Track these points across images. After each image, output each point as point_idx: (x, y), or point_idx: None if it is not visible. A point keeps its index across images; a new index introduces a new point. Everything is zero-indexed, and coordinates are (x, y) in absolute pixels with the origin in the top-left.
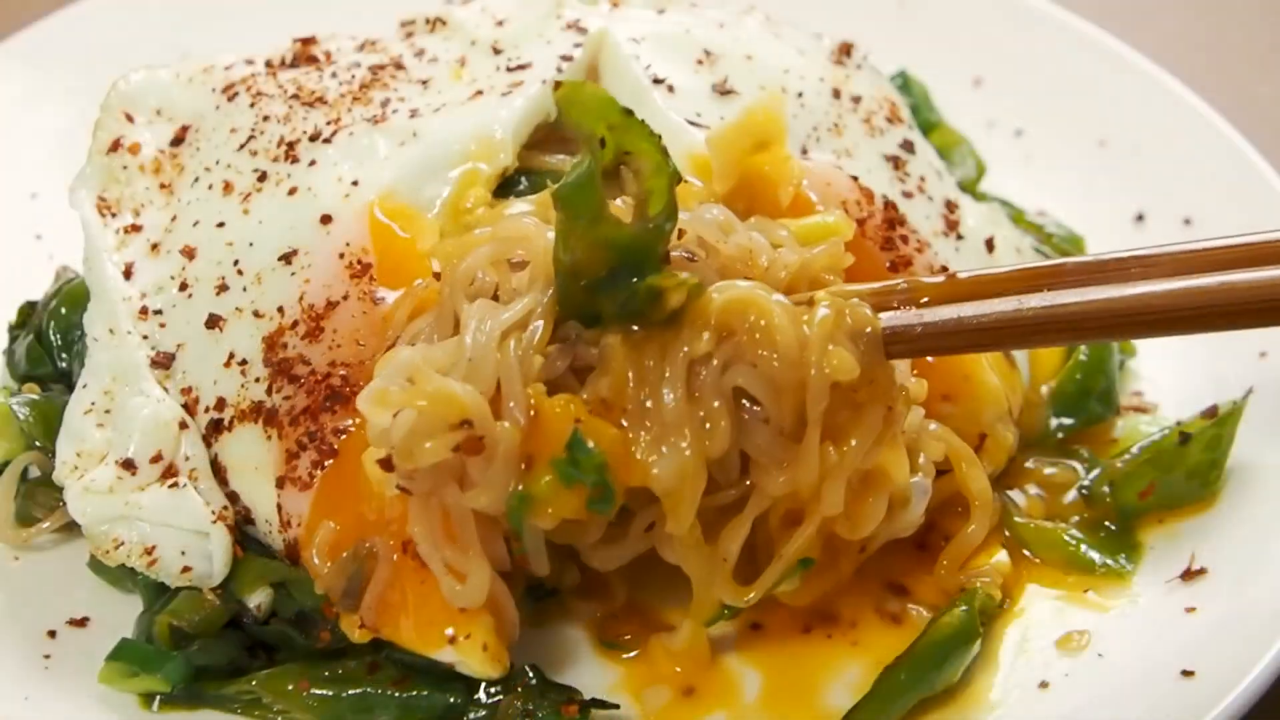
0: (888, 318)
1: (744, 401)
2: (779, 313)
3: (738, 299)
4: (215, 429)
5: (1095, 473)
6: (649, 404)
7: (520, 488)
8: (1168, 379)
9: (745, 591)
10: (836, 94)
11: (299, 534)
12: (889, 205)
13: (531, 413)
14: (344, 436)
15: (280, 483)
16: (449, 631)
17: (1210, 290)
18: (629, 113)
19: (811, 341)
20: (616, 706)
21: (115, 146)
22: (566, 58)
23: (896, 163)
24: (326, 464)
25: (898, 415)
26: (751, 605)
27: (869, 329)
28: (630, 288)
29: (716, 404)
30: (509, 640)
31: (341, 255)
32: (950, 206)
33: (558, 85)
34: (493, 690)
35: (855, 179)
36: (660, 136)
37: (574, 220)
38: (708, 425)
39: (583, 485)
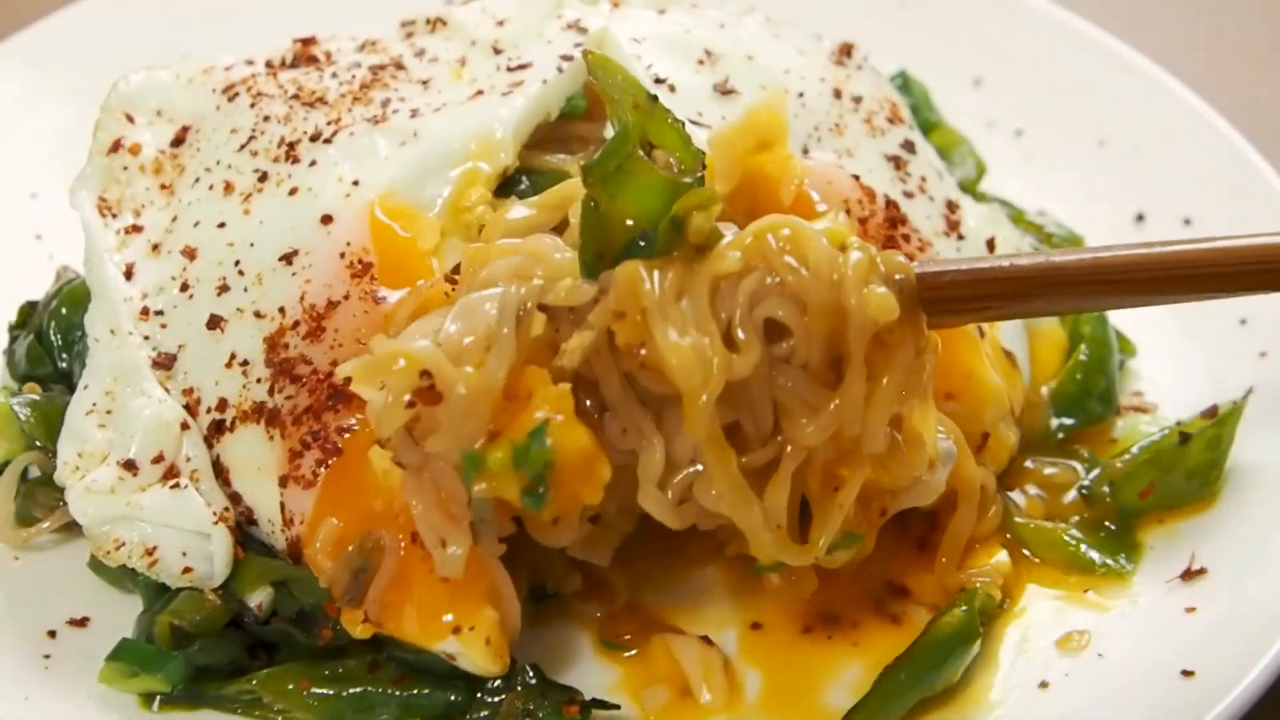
0: (918, 265)
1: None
2: (812, 232)
3: (769, 222)
4: (217, 430)
5: (1095, 473)
6: (669, 308)
7: (477, 449)
8: (1168, 379)
9: (808, 550)
10: (837, 94)
11: (302, 531)
12: (890, 204)
13: (526, 393)
14: (347, 435)
15: (283, 481)
16: (448, 618)
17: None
18: (654, 99)
19: (848, 281)
20: (617, 707)
21: (116, 147)
22: (567, 57)
23: (898, 163)
24: (330, 462)
25: (926, 361)
26: (816, 559)
27: (900, 274)
28: (652, 240)
29: (744, 334)
30: (511, 637)
31: (342, 255)
32: (951, 207)
33: (586, 54)
34: (495, 689)
35: (857, 178)
36: (684, 124)
37: (604, 178)
38: (735, 346)
39: (524, 475)
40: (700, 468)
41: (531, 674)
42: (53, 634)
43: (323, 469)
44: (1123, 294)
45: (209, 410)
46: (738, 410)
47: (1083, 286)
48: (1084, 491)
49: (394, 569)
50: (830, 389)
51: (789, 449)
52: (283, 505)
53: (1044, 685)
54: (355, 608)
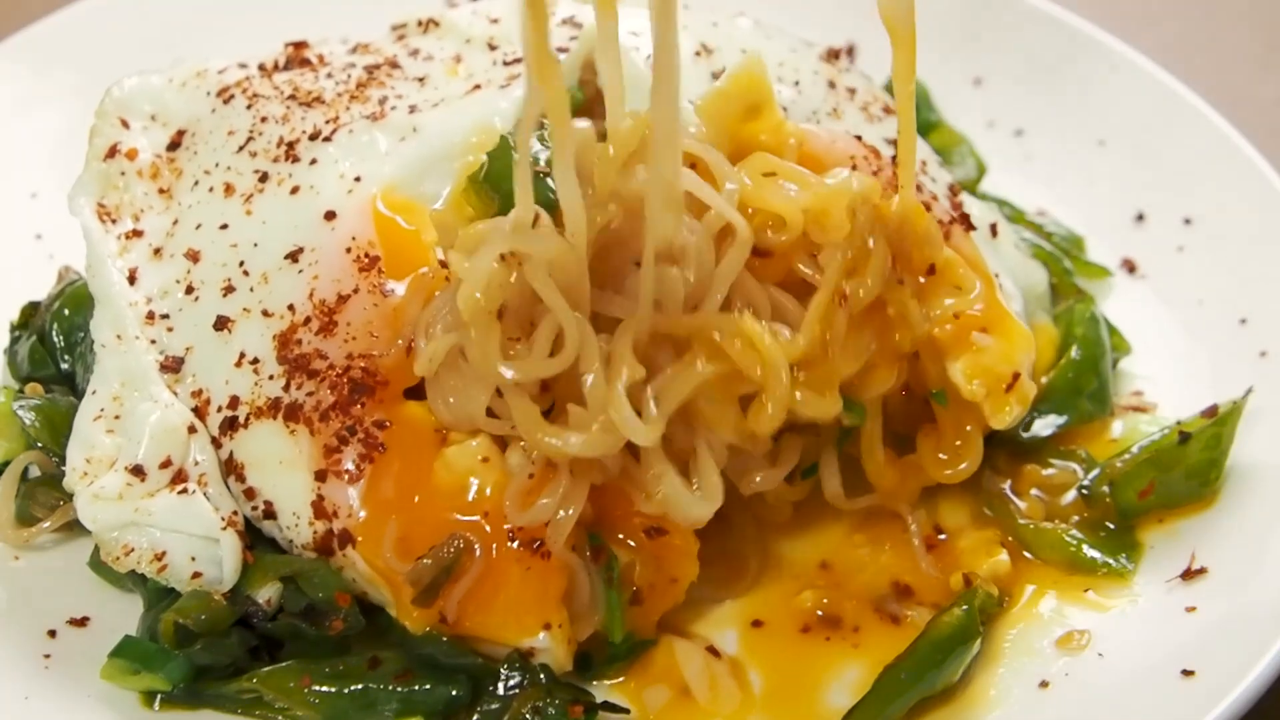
0: None
1: None
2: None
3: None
4: (230, 427)
5: (1095, 473)
6: None
7: None
8: (1167, 379)
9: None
10: (832, 85)
11: (350, 524)
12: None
13: None
14: (385, 431)
15: (321, 475)
16: (537, 617)
17: None
18: None
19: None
20: (626, 710)
21: (112, 152)
22: (562, 49)
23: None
24: (374, 456)
25: None
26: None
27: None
28: None
29: None
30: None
31: (348, 250)
32: (954, 190)
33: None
34: (510, 684)
35: (859, 137)
36: None
37: None
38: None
39: None
40: None
41: (542, 673)
42: (53, 634)
43: (367, 465)
44: None
45: (220, 409)
46: None
47: None
48: (1084, 491)
49: (482, 570)
50: None
51: None
52: (321, 498)
53: (1044, 685)
54: (427, 607)
